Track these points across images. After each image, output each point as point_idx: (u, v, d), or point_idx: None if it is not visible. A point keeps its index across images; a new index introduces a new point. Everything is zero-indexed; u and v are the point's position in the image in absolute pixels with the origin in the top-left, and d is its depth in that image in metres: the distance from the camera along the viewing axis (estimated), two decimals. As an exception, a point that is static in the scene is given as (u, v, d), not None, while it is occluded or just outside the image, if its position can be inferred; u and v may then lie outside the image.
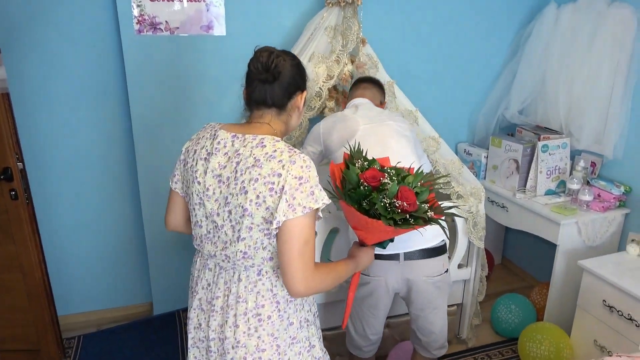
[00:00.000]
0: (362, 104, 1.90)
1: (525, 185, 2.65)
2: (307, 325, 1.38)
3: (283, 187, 1.14)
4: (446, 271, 1.85)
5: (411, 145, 1.85)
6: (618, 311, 2.09)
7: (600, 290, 2.16)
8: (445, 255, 1.85)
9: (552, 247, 2.48)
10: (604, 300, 2.15)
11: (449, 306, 2.37)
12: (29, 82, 2.24)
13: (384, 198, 1.24)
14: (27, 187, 2.06)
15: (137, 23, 2.26)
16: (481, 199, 2.28)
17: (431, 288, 1.81)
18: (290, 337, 1.31)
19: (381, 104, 2.04)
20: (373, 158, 1.40)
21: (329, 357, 1.48)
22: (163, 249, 2.60)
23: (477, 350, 2.57)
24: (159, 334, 2.59)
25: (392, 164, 1.53)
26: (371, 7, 2.42)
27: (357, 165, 1.34)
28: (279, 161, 1.15)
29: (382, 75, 2.18)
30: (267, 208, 1.16)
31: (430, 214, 1.29)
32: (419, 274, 1.77)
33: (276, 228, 1.16)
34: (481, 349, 2.59)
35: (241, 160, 1.18)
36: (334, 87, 2.14)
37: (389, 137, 1.79)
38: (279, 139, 1.22)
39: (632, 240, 2.38)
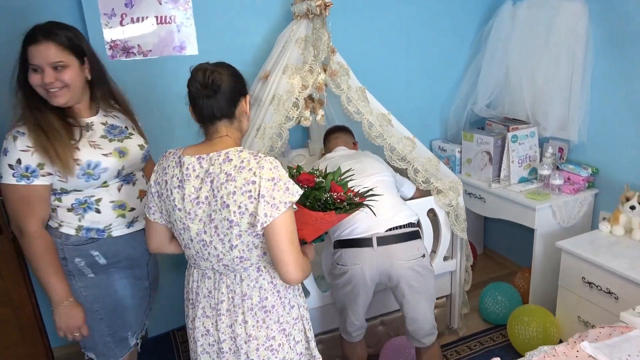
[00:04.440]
0: (339, 151, 2.23)
1: (499, 176, 2.76)
2: (306, 308, 1.53)
3: (260, 191, 1.22)
4: (422, 256, 1.92)
5: (378, 160, 2.16)
6: (597, 286, 2.20)
7: (579, 268, 2.27)
8: (419, 241, 1.93)
9: (530, 232, 2.59)
10: (583, 278, 2.26)
11: (438, 298, 2.45)
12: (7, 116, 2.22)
13: (324, 193, 1.40)
14: (9, 221, 2.04)
15: (109, 49, 2.28)
16: (459, 192, 2.37)
17: (409, 272, 1.87)
18: (293, 318, 1.44)
19: (354, 144, 2.36)
20: (299, 165, 1.56)
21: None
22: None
23: (469, 338, 2.65)
24: (154, 356, 2.59)
25: (358, 172, 1.94)
26: (339, 17, 2.50)
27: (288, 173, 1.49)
28: (249, 169, 1.23)
29: (354, 82, 2.25)
30: (250, 214, 1.25)
31: (356, 199, 1.49)
32: (394, 258, 1.85)
33: (262, 229, 1.25)
34: (473, 337, 2.67)
35: (214, 178, 1.26)
36: (310, 97, 2.20)
37: (359, 155, 2.13)
38: (241, 148, 1.31)
39: (604, 219, 2.52)
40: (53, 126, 1.48)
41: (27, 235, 1.50)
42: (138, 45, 2.33)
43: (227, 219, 1.26)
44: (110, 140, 1.60)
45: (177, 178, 1.31)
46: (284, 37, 2.26)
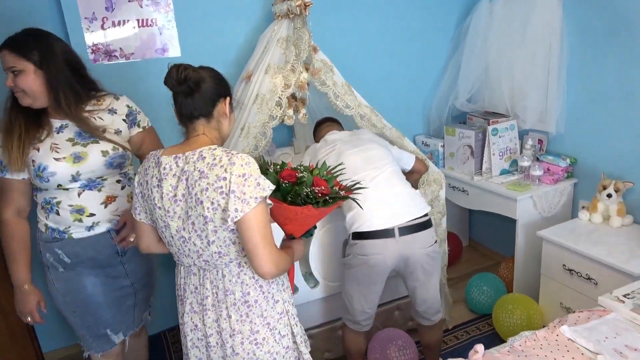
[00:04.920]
0: (334, 134, 2.25)
1: (481, 168, 2.82)
2: (291, 304, 1.54)
3: (230, 187, 1.25)
4: (435, 242, 2.03)
5: (382, 146, 2.18)
6: (577, 273, 2.27)
7: (560, 256, 2.34)
8: (433, 228, 2.04)
9: (513, 223, 2.65)
10: (564, 265, 2.32)
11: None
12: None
13: (305, 188, 1.42)
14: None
15: (91, 53, 2.29)
16: (442, 185, 2.42)
17: (425, 258, 1.98)
18: (277, 313, 1.46)
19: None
20: (283, 162, 1.59)
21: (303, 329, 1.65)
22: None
23: (456, 328, 2.71)
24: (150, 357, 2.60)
25: (370, 162, 2.01)
26: (319, 16, 2.53)
27: (270, 170, 1.51)
28: (221, 166, 1.27)
29: (338, 78, 2.29)
30: (223, 210, 1.28)
31: (342, 193, 1.52)
32: (414, 246, 1.94)
33: (233, 223, 1.29)
34: (459, 327, 2.73)
35: (188, 176, 1.30)
36: (292, 96, 2.23)
37: (364, 141, 2.15)
38: (215, 146, 1.34)
39: (583, 207, 2.59)
40: (18, 125, 1.58)
41: (1, 222, 1.65)
42: (120, 48, 2.34)
43: (202, 215, 1.30)
44: (74, 144, 1.63)
45: (156, 177, 1.35)
46: (266, 37, 2.29)
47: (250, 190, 1.27)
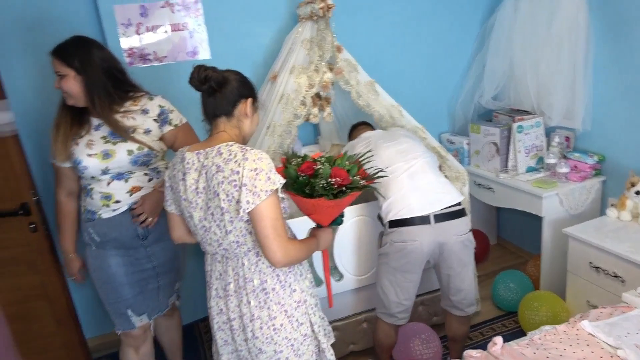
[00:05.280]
0: (369, 132, 2.36)
1: (506, 166, 2.82)
2: (309, 294, 1.61)
3: (242, 180, 1.34)
4: (470, 231, 2.07)
5: (416, 140, 2.27)
6: (604, 270, 2.25)
7: (586, 254, 2.32)
8: (467, 217, 2.08)
9: (540, 220, 2.63)
10: (590, 262, 2.30)
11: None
12: (35, 117, 2.38)
13: (320, 181, 1.48)
14: (45, 218, 2.20)
15: (127, 56, 2.42)
16: (465, 182, 2.44)
17: (460, 246, 2.02)
18: (295, 301, 1.54)
19: None
20: (305, 154, 1.65)
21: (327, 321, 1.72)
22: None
23: (482, 325, 2.72)
24: (183, 345, 2.72)
25: (403, 154, 2.09)
26: (342, 17, 2.59)
27: (292, 163, 1.58)
28: (235, 161, 1.36)
29: (362, 76, 2.35)
30: (237, 202, 1.37)
31: (362, 182, 1.56)
32: (450, 233, 1.99)
33: (246, 214, 1.37)
34: (485, 323, 2.74)
35: (207, 170, 1.41)
36: (317, 95, 2.31)
37: (398, 136, 2.23)
38: (232, 143, 1.43)
39: (611, 205, 2.55)
40: (64, 121, 1.83)
41: (55, 201, 1.96)
42: (154, 52, 2.46)
43: (219, 207, 1.39)
44: (106, 142, 1.81)
45: (181, 172, 1.47)
46: (291, 39, 2.37)
47: (261, 183, 1.35)
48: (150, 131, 1.86)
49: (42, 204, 2.21)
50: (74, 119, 1.83)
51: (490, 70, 2.97)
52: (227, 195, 1.37)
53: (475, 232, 3.22)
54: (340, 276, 2.39)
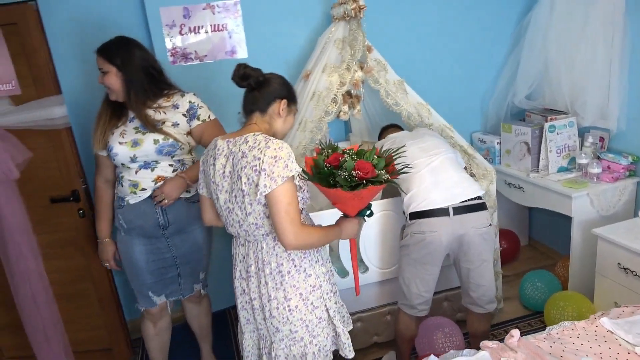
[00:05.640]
0: (395, 133, 2.42)
1: (538, 165, 2.82)
2: (326, 280, 1.71)
3: (262, 166, 1.46)
4: (489, 225, 2.11)
5: (439, 139, 2.32)
6: (632, 272, 2.23)
7: (614, 255, 2.30)
8: (487, 211, 2.12)
9: (571, 221, 2.62)
10: (618, 264, 2.29)
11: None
12: (84, 112, 2.55)
13: (343, 172, 1.55)
14: (92, 205, 2.38)
15: (171, 55, 2.58)
16: (492, 180, 2.47)
17: (479, 239, 2.06)
18: (310, 285, 1.65)
19: None
20: (337, 145, 1.72)
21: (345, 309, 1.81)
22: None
23: (507, 323, 2.74)
24: (213, 330, 2.86)
25: (426, 151, 2.15)
26: (374, 17, 2.66)
27: (323, 154, 1.65)
28: (258, 149, 1.49)
29: (392, 76, 2.41)
30: (256, 185, 1.48)
31: (386, 177, 1.61)
32: (469, 226, 2.04)
33: (264, 197, 1.49)
34: (511, 322, 2.75)
35: (234, 156, 1.54)
36: (348, 93, 2.39)
37: (422, 135, 2.30)
38: (258, 133, 1.55)
39: (645, 206, 2.52)
40: (105, 114, 2.01)
41: (94, 188, 2.14)
42: (195, 51, 2.61)
43: (241, 189, 1.52)
44: (137, 132, 1.96)
45: (212, 157, 1.62)
46: (324, 39, 2.46)
47: (279, 170, 1.46)
48: (178, 124, 2.00)
49: (90, 192, 2.39)
50: (114, 112, 2.00)
51: (524, 69, 2.96)
52: (248, 179, 1.49)
53: (506, 232, 3.26)
54: (366, 268, 2.47)
